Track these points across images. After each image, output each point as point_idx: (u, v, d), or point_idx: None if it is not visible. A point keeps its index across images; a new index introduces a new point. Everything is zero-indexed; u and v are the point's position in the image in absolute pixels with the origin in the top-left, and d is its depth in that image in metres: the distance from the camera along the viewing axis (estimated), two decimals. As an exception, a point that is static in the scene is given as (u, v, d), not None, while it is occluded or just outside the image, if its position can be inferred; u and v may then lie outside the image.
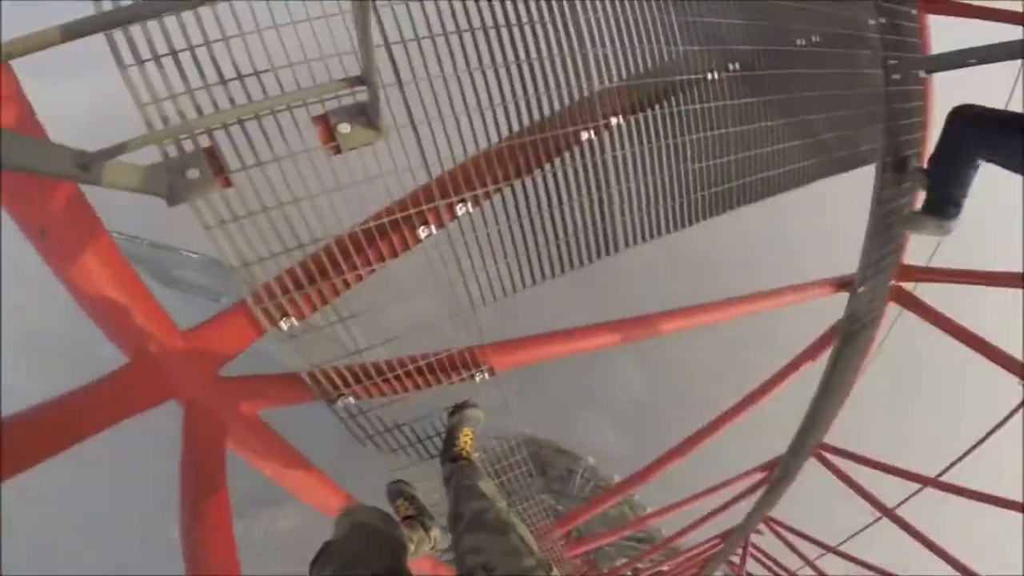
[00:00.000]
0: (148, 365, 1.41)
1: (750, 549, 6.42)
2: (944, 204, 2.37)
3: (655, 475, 4.03)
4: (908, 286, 3.42)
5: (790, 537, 5.66)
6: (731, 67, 1.98)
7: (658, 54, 1.74)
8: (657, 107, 1.79)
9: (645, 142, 1.78)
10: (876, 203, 2.83)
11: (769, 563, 6.21)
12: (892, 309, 3.54)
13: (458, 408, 2.03)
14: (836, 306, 3.28)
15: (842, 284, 3.21)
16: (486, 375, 1.95)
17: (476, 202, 1.55)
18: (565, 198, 1.69)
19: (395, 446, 2.13)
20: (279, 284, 1.48)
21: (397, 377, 1.82)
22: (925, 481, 4.11)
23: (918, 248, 3.35)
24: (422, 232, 1.49)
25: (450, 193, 1.49)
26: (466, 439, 1.98)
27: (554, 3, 1.49)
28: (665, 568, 7.46)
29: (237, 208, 1.23)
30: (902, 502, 4.50)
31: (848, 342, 3.47)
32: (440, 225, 1.53)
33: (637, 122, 1.75)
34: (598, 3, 1.59)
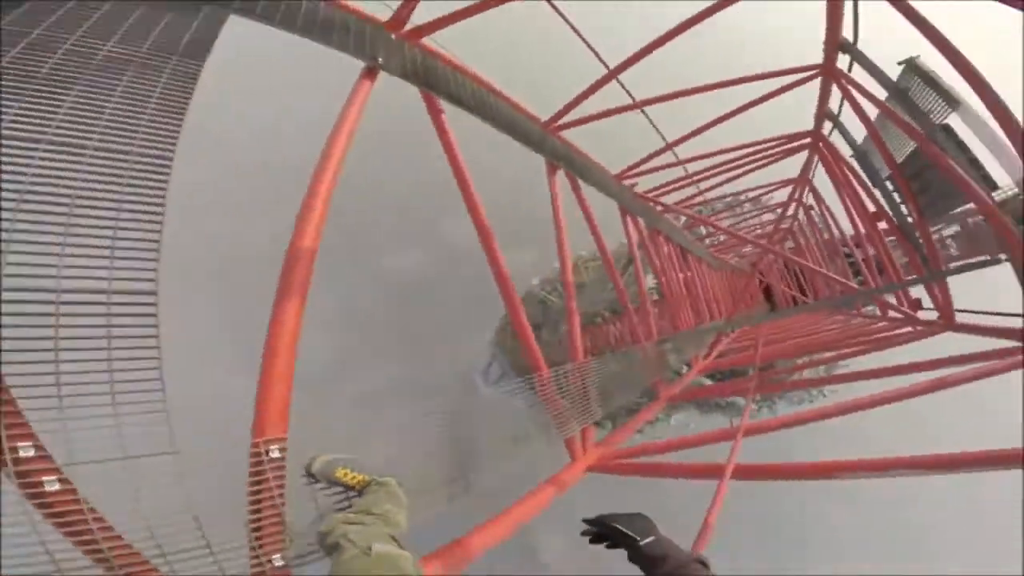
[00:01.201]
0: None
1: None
2: None
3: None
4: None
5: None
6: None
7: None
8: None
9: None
10: None
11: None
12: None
13: (309, 474, 2.11)
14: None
15: (369, 72, 3.47)
16: (277, 449, 2.03)
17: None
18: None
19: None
20: None
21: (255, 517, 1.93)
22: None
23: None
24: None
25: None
26: (346, 476, 2.09)
27: None
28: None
29: None
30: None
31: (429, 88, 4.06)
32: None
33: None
34: None
